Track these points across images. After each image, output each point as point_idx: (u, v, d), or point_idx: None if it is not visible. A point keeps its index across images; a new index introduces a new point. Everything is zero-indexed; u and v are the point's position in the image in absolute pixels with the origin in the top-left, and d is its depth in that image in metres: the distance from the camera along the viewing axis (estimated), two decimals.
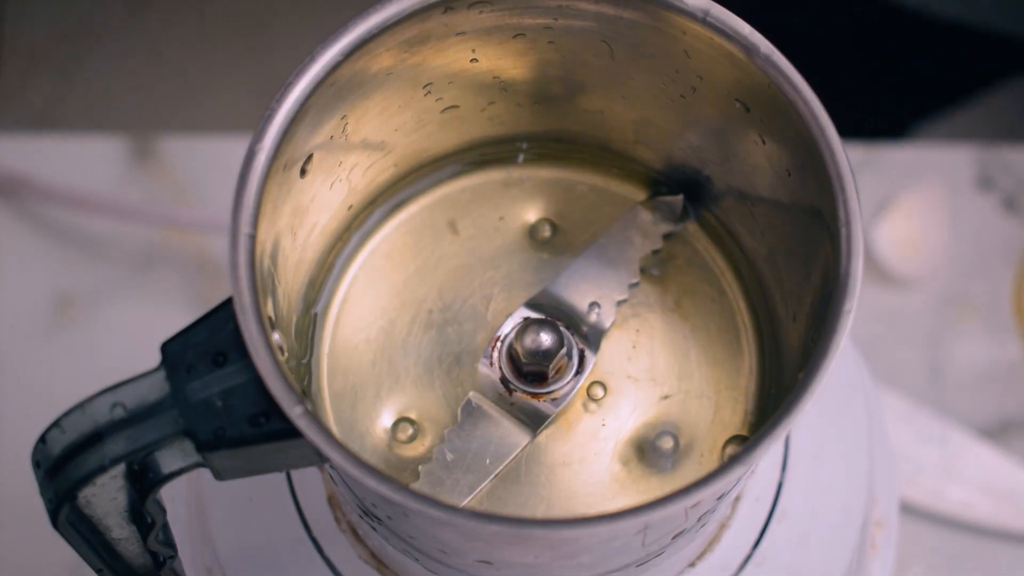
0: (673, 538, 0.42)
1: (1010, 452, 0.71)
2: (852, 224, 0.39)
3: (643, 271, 0.46)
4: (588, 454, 0.44)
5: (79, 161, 0.77)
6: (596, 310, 0.45)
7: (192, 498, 0.52)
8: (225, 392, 0.37)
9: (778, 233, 0.44)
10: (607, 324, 0.45)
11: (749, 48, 0.40)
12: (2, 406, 0.72)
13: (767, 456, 0.49)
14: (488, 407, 0.44)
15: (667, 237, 0.47)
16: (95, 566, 0.42)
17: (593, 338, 0.45)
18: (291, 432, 0.37)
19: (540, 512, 0.44)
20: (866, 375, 0.54)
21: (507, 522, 0.36)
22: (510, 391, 0.44)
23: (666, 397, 0.45)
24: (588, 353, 0.45)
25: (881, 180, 0.76)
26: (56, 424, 0.38)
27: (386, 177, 0.47)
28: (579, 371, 0.44)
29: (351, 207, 0.46)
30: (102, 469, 0.38)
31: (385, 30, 0.40)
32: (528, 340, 0.43)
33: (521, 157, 0.48)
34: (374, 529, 0.43)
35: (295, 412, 0.36)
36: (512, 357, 0.44)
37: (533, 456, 0.44)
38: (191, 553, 0.52)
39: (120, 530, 0.41)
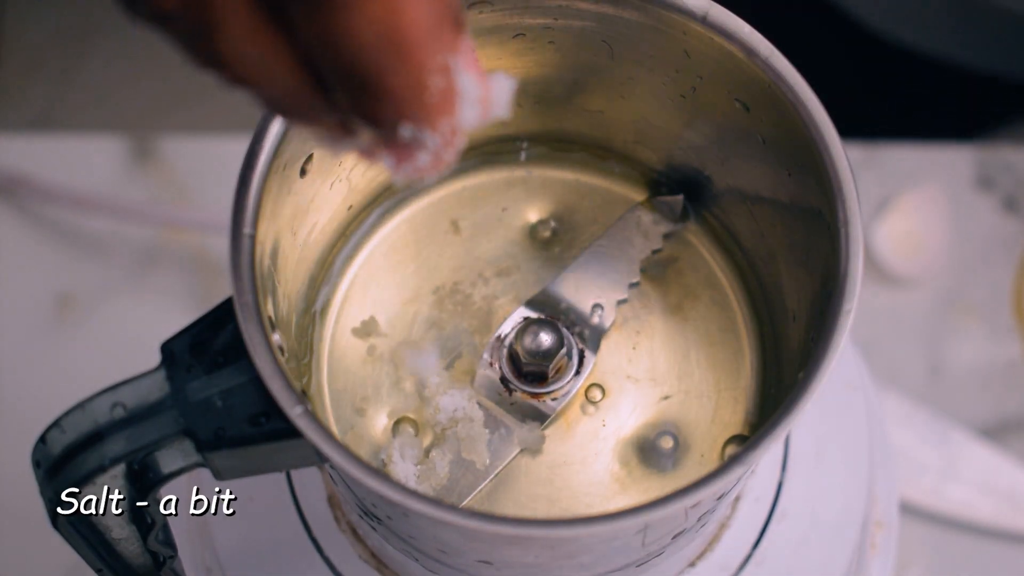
0: (673, 538, 0.42)
1: (1010, 452, 0.71)
2: (852, 224, 0.39)
3: (643, 271, 0.46)
4: (588, 454, 0.44)
5: (79, 161, 0.77)
6: (596, 310, 0.45)
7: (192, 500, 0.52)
8: (225, 392, 0.37)
9: (778, 233, 0.44)
10: (607, 324, 0.45)
11: (749, 49, 0.40)
12: (2, 406, 0.72)
13: (767, 456, 0.49)
14: (488, 407, 0.44)
15: (667, 237, 0.47)
16: (95, 566, 0.42)
17: (593, 338, 0.45)
18: (291, 432, 0.37)
19: (540, 512, 0.44)
20: (866, 375, 0.54)
21: (507, 522, 0.36)
22: (510, 391, 0.44)
23: (666, 397, 0.45)
24: (588, 353, 0.45)
25: (881, 180, 0.76)
26: (56, 424, 0.38)
27: (386, 176, 0.47)
28: (579, 371, 0.44)
29: (351, 207, 0.46)
30: (102, 469, 0.38)
31: None
32: (528, 340, 0.43)
33: (523, 156, 0.48)
34: (374, 529, 0.43)
35: (295, 412, 0.36)
36: (512, 357, 0.44)
37: (533, 456, 0.44)
38: (191, 553, 0.52)
39: (120, 530, 0.41)
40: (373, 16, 0.27)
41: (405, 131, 0.29)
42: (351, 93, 0.29)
